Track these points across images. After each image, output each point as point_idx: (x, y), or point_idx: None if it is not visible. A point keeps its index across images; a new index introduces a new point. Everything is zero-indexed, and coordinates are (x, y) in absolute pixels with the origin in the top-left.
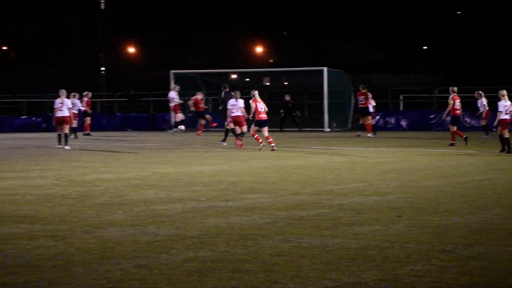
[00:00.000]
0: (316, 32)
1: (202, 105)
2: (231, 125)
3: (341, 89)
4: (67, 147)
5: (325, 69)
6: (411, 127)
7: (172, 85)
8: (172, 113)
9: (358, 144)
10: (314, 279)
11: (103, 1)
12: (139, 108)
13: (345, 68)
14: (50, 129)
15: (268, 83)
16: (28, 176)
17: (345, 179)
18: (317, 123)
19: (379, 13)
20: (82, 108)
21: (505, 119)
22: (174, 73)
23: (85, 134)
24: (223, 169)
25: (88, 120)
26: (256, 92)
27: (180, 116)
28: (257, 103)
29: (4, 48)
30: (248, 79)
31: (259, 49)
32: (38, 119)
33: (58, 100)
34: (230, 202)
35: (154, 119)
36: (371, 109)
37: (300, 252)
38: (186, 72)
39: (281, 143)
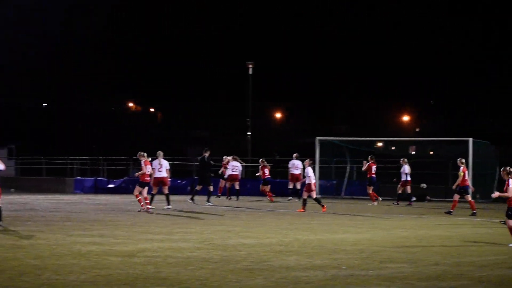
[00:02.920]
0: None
1: None
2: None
3: (486, 160)
4: (169, 207)
5: (470, 139)
6: None
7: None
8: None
9: (501, 215)
10: None
11: (250, 66)
12: (283, 174)
13: (493, 140)
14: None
15: (414, 152)
16: (171, 239)
17: (487, 251)
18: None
19: None
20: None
21: None
22: (320, 140)
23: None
24: (366, 237)
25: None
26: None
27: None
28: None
29: (152, 110)
30: (394, 148)
31: (405, 118)
32: (183, 182)
33: (156, 162)
34: (370, 271)
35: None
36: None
37: None
38: (332, 139)
39: (427, 213)
